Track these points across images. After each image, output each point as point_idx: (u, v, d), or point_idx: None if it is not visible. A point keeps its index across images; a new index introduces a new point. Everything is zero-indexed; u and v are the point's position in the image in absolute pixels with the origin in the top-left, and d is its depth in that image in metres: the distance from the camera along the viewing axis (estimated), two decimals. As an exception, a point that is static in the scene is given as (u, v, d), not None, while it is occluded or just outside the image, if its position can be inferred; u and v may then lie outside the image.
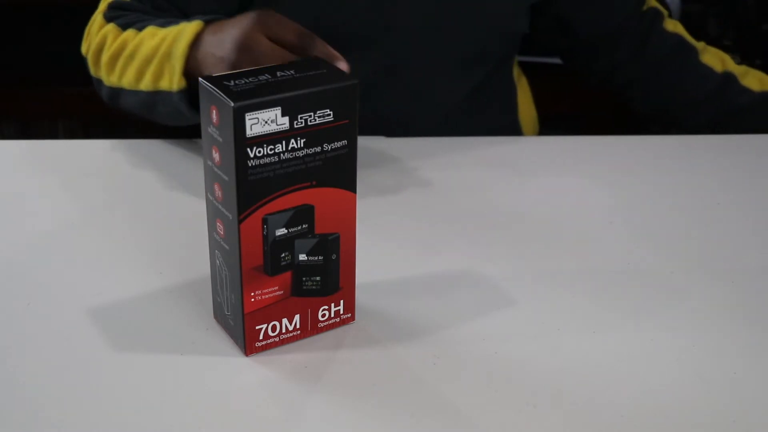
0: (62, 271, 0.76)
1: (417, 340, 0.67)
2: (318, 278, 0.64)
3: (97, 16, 0.96)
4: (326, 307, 0.66)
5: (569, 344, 0.67)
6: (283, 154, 0.58)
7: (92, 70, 0.97)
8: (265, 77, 0.59)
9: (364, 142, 0.97)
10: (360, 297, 0.70)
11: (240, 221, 0.59)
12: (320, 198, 0.61)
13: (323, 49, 0.73)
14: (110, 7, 0.97)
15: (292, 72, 0.60)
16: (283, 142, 0.58)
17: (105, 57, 0.92)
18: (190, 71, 0.83)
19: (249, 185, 0.58)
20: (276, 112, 0.57)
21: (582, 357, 0.66)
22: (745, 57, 2.53)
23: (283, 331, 0.64)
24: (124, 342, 0.67)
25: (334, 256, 0.64)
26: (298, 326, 0.65)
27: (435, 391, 0.62)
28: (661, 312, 0.71)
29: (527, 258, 0.78)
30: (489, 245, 0.80)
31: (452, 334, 0.68)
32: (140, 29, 0.90)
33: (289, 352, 0.66)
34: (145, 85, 0.87)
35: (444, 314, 0.70)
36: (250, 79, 0.58)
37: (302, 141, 0.58)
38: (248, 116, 0.56)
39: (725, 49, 1.17)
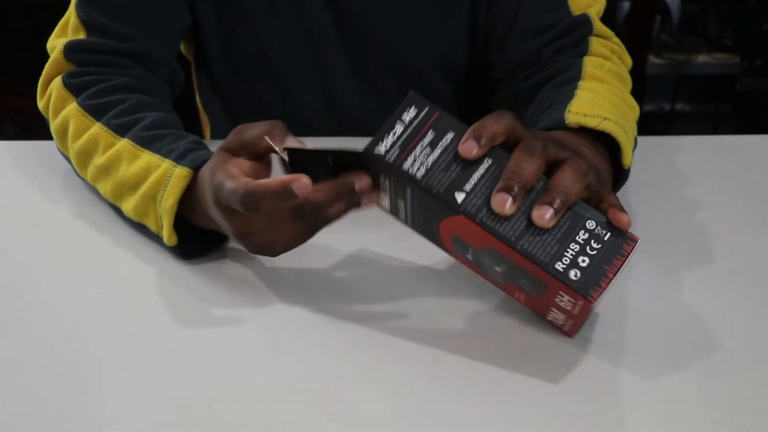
0: (62, 270, 0.76)
1: (417, 340, 0.67)
2: None
3: (57, 81, 0.84)
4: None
5: (569, 342, 0.67)
6: None
7: (56, 142, 0.86)
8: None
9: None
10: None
11: None
12: None
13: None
14: (67, 51, 0.85)
15: None
16: None
17: (73, 148, 0.81)
18: (191, 210, 0.74)
19: None
20: None
21: (581, 355, 0.66)
22: (745, 57, 2.53)
23: None
24: (124, 341, 0.67)
25: None
26: None
27: (435, 391, 0.62)
28: (660, 311, 0.71)
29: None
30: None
31: (452, 334, 0.68)
32: (115, 130, 0.78)
33: (292, 348, 0.66)
34: (127, 210, 0.78)
35: (444, 313, 0.70)
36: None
37: None
38: None
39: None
